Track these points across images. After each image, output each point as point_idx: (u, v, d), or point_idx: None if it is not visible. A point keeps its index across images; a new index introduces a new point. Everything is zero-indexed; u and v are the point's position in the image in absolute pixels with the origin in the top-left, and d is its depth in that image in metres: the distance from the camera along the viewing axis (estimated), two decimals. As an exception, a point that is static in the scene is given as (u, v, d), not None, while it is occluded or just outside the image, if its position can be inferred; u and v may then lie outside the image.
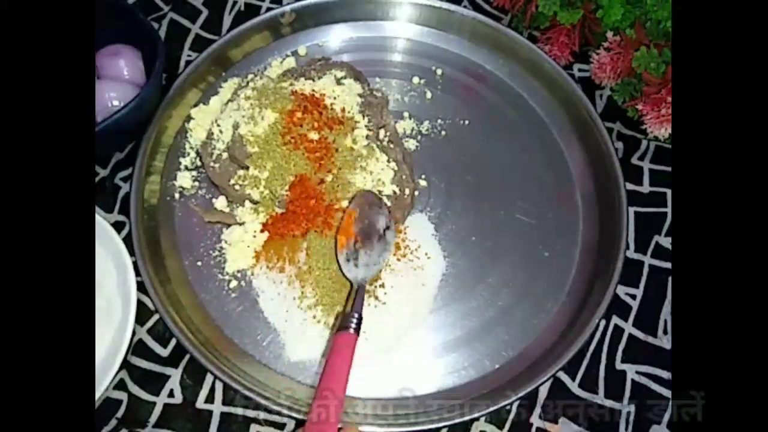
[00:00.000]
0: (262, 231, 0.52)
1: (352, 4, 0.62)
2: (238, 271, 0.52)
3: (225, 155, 0.53)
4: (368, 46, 0.63)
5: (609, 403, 0.51)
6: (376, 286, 0.51)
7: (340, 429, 0.44)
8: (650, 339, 0.53)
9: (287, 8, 0.61)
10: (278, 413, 0.47)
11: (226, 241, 0.53)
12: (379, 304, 0.51)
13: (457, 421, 0.47)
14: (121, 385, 0.49)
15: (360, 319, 0.46)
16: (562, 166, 0.59)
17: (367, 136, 0.54)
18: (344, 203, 0.52)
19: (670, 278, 0.54)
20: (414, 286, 0.52)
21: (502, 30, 0.61)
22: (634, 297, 0.54)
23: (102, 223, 0.51)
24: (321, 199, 0.52)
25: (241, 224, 0.53)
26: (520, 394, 0.47)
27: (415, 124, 0.59)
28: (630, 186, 0.57)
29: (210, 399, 0.49)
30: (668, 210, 0.56)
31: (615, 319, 0.54)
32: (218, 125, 0.54)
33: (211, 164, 0.54)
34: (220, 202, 0.54)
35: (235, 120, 0.53)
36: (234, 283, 0.52)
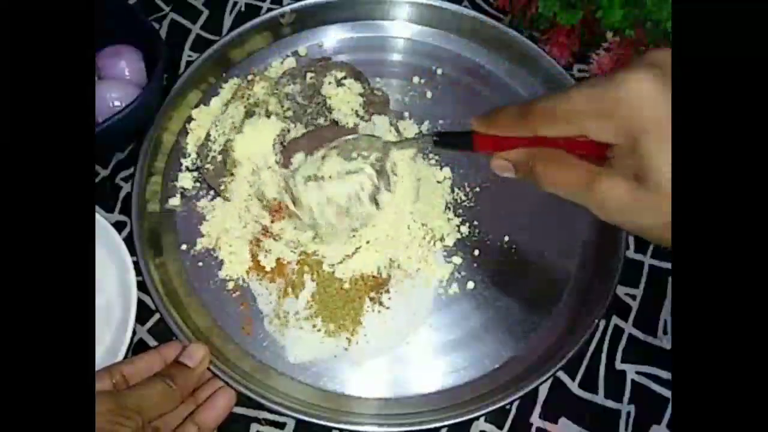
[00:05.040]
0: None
1: (352, 4, 0.62)
2: (236, 274, 0.52)
3: (220, 157, 0.54)
4: (368, 46, 0.63)
5: (609, 403, 0.51)
6: (381, 292, 0.51)
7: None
8: (650, 339, 0.53)
9: (287, 8, 0.61)
10: (278, 413, 0.47)
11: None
12: (382, 309, 0.51)
13: (457, 420, 0.47)
14: (121, 385, 0.49)
15: None
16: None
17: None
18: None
19: (670, 278, 0.54)
20: (415, 287, 0.52)
21: (503, 29, 0.61)
22: (634, 297, 0.55)
23: (102, 223, 0.52)
24: None
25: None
26: (520, 394, 0.47)
27: (415, 124, 0.59)
28: (630, 186, 0.57)
29: (210, 398, 0.49)
30: (668, 210, 0.56)
31: (615, 319, 0.54)
32: (216, 126, 0.54)
33: (206, 165, 0.54)
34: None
35: (232, 123, 0.54)
36: (234, 284, 0.52)
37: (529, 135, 0.34)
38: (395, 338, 0.51)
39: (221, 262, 0.52)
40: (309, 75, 0.57)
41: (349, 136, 0.50)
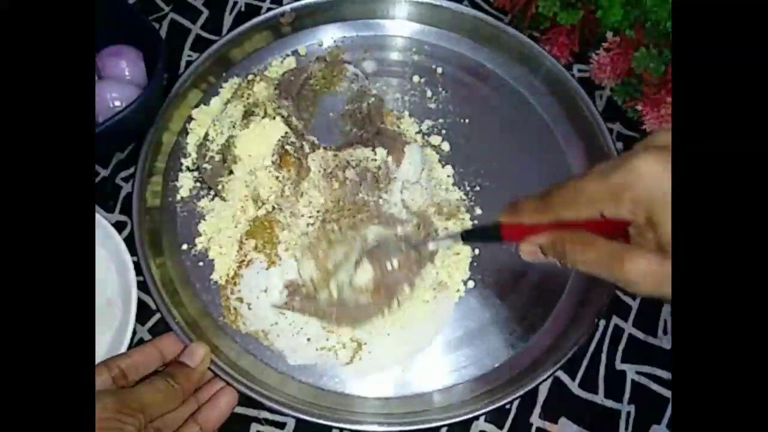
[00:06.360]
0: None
1: (351, 3, 0.62)
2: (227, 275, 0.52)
3: (218, 157, 0.54)
4: (368, 45, 0.63)
5: (609, 403, 0.51)
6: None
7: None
8: (650, 339, 0.53)
9: (287, 8, 0.61)
10: (279, 413, 0.47)
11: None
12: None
13: (456, 420, 0.47)
14: (121, 385, 0.49)
15: None
16: (563, 166, 0.59)
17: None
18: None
19: (669, 278, 0.54)
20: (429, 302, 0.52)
21: (503, 28, 0.61)
22: (634, 297, 0.55)
23: (103, 223, 0.52)
24: None
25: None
26: (520, 394, 0.47)
27: (415, 123, 0.59)
28: (630, 186, 0.57)
29: (210, 398, 0.49)
30: (668, 210, 0.56)
31: (615, 319, 0.54)
32: (215, 126, 0.54)
33: (204, 165, 0.54)
34: None
35: (231, 122, 0.54)
36: (234, 285, 0.52)
37: (553, 220, 0.37)
38: (400, 357, 0.51)
39: (213, 263, 0.52)
40: (309, 74, 0.57)
41: (380, 235, 0.50)
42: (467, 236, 0.46)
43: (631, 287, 0.34)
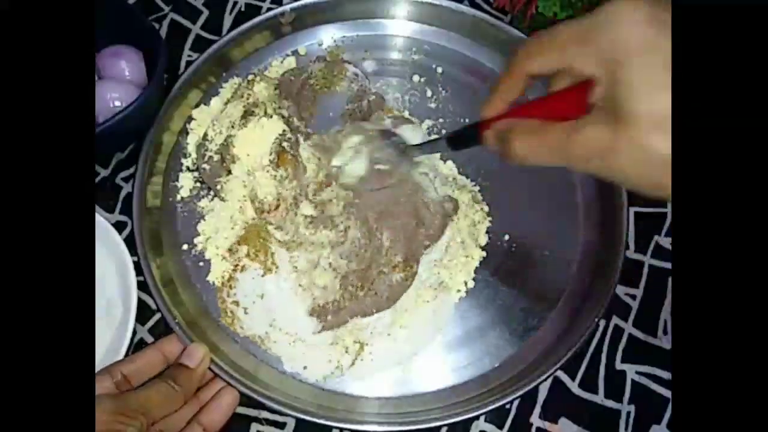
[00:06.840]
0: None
1: (351, 2, 0.62)
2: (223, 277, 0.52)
3: (216, 157, 0.54)
4: (368, 44, 0.63)
5: (609, 403, 0.51)
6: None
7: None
8: (650, 339, 0.53)
9: (287, 8, 0.61)
10: (279, 412, 0.47)
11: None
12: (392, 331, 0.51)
13: (456, 420, 0.47)
14: (122, 385, 0.49)
15: None
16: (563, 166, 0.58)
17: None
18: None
19: (670, 278, 0.54)
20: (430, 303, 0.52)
21: (504, 28, 0.61)
22: (634, 297, 0.55)
23: (103, 223, 0.52)
24: None
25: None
26: (520, 394, 0.47)
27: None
28: (630, 186, 0.57)
29: (211, 398, 0.49)
30: (668, 210, 0.56)
31: (615, 319, 0.54)
32: (214, 126, 0.54)
33: (203, 165, 0.54)
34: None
35: (230, 122, 0.54)
36: (230, 288, 0.52)
37: (520, 74, 0.34)
38: (400, 358, 0.51)
39: (210, 263, 0.53)
40: (309, 74, 0.57)
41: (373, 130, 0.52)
42: (450, 141, 0.43)
43: (582, 164, 0.31)
